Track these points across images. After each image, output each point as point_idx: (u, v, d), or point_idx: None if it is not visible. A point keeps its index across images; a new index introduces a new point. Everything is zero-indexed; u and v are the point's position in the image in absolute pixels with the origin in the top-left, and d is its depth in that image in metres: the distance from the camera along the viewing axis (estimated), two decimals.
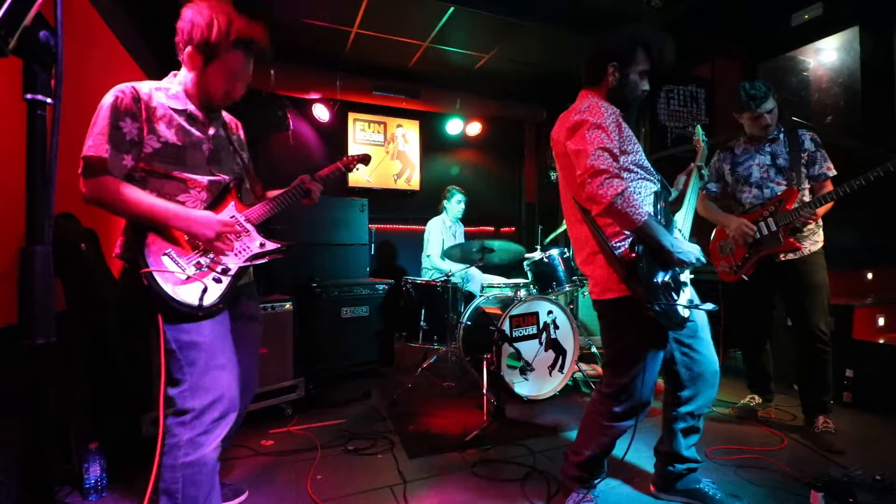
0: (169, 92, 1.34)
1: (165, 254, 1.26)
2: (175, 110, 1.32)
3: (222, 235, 1.32)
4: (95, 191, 1.20)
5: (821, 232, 2.24)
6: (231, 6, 1.30)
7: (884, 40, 3.06)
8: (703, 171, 1.69)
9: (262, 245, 1.44)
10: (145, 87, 1.30)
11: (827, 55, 3.49)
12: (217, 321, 1.32)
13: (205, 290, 1.27)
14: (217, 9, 1.27)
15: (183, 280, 1.26)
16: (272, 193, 1.57)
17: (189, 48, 1.29)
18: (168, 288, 1.23)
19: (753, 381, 2.55)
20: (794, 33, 3.62)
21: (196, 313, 1.25)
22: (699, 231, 2.53)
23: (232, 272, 1.35)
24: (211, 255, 1.33)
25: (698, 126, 1.82)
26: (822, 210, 2.11)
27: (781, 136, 2.28)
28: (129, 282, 1.27)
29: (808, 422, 2.24)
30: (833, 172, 2.17)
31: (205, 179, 1.36)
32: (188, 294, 1.25)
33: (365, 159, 1.82)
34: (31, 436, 0.63)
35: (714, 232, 2.51)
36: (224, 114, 1.51)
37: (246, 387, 1.55)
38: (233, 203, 1.43)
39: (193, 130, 1.35)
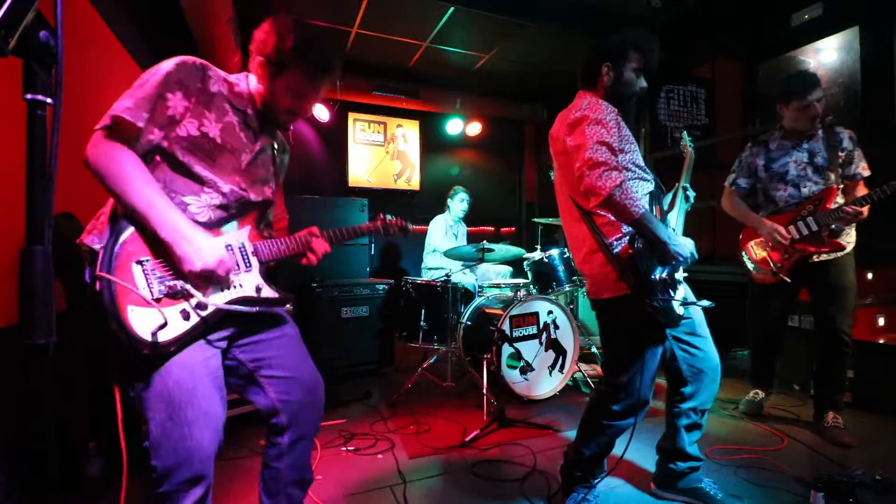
0: (235, 88, 1.21)
1: (139, 262, 1.02)
2: (233, 107, 1.19)
3: (213, 276, 1.06)
4: (103, 157, 0.99)
5: (853, 232, 2.20)
6: (312, 25, 1.21)
7: (884, 40, 3.06)
8: (688, 193, 1.69)
9: (258, 289, 1.19)
10: (214, 70, 1.18)
11: (827, 55, 3.49)
12: (190, 363, 1.06)
13: (164, 324, 0.99)
14: (294, 26, 1.18)
15: (144, 302, 0.99)
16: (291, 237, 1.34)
17: (259, 58, 1.18)
18: (120, 306, 0.96)
19: (761, 377, 2.52)
20: (794, 33, 3.62)
21: (142, 350, 0.98)
22: (698, 229, 2.53)
23: (207, 312, 1.08)
24: (190, 282, 1.07)
25: (684, 132, 1.82)
26: (867, 208, 2.05)
27: (820, 132, 2.20)
28: (83, 281, 1.03)
29: (817, 418, 2.25)
30: (867, 173, 2.13)
31: (226, 186, 1.17)
32: (141, 323, 0.98)
33: (406, 229, 1.61)
34: (32, 436, 0.63)
35: (744, 232, 2.44)
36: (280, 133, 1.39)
37: (312, 388, 1.30)
38: (248, 228, 1.22)
39: (242, 135, 1.21)
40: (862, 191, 2.14)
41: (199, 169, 1.11)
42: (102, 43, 2.38)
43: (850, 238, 2.20)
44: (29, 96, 0.60)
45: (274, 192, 1.34)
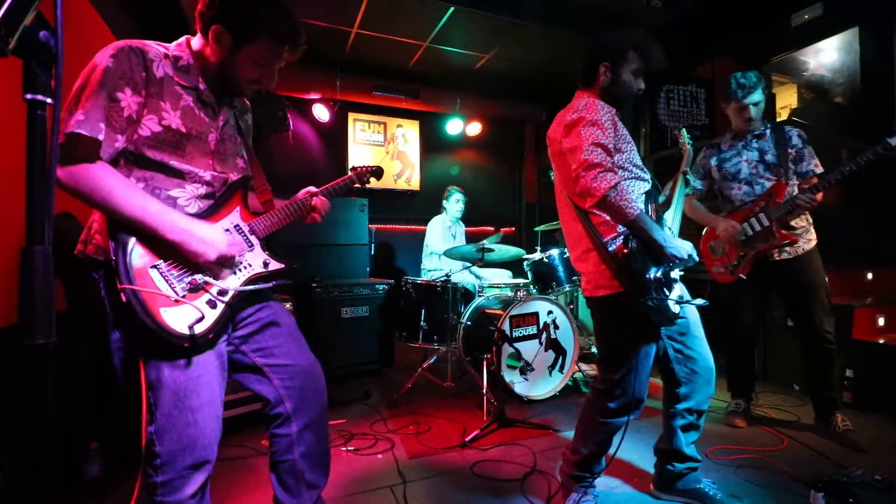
0: (179, 62, 1.10)
1: (154, 266, 1.02)
2: (184, 87, 1.11)
3: (226, 260, 1.09)
4: (77, 177, 0.94)
5: (812, 230, 2.23)
6: None
7: (884, 40, 3.06)
8: (688, 177, 1.70)
9: (265, 264, 1.22)
10: (153, 50, 1.06)
11: (827, 55, 3.49)
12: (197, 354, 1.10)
13: (201, 318, 1.04)
14: None
15: (172, 302, 1.02)
16: (279, 203, 1.34)
17: (217, 26, 1.08)
18: (154, 311, 0.99)
19: (740, 384, 2.44)
20: (794, 33, 3.62)
21: (182, 344, 1.02)
22: (695, 229, 2.52)
23: (229, 296, 1.12)
24: (207, 272, 1.10)
25: (683, 129, 1.83)
26: (819, 196, 2.07)
27: (768, 131, 2.26)
28: (96, 292, 1.05)
29: (823, 421, 2.23)
30: (820, 169, 2.18)
31: (206, 173, 1.14)
32: (177, 320, 1.01)
33: (378, 172, 1.63)
34: (32, 436, 0.63)
35: (704, 232, 2.47)
36: None
37: (312, 374, 1.31)
38: (238, 209, 1.21)
39: (203, 115, 1.14)
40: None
41: (175, 163, 1.09)
42: (102, 43, 2.38)
43: (810, 236, 2.22)
44: (29, 96, 0.60)
45: (247, 162, 1.30)
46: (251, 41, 1.10)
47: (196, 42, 1.15)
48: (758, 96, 2.19)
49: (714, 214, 2.37)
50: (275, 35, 1.10)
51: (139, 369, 1.07)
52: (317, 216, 1.35)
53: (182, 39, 1.16)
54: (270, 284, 1.21)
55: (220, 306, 1.10)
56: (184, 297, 1.04)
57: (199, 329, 1.04)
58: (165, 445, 1.05)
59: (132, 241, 1.01)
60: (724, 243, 2.32)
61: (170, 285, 1.03)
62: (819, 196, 2.07)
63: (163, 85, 1.06)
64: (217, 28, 1.08)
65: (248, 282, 1.17)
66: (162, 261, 1.04)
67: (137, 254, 1.01)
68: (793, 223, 2.18)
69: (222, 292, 1.11)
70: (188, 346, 1.03)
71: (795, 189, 2.18)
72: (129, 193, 0.99)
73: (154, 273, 1.02)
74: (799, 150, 2.20)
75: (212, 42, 1.11)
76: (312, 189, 1.37)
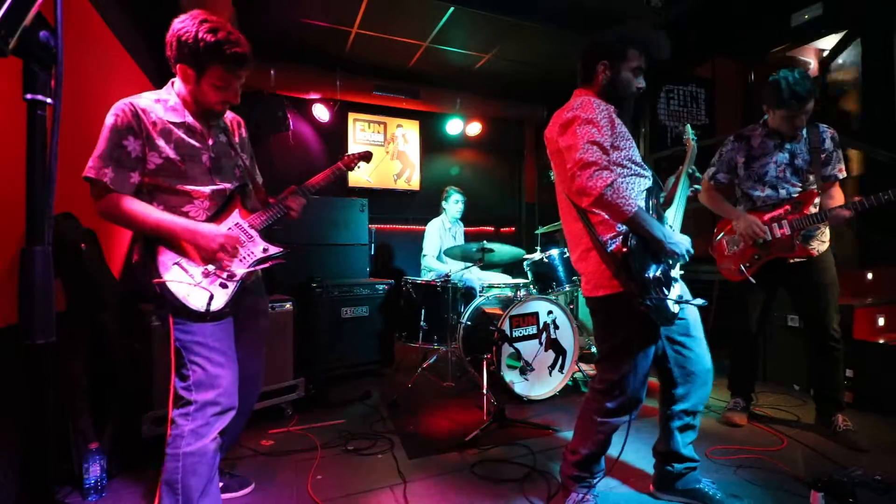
0: (168, 104, 1.37)
1: (176, 263, 1.36)
2: (173, 123, 1.36)
3: (225, 247, 1.39)
4: (106, 209, 1.30)
5: (827, 231, 2.19)
6: (217, 18, 1.30)
7: (884, 43, 3.06)
8: (695, 174, 1.69)
9: (265, 250, 1.51)
10: (143, 101, 1.34)
11: (827, 55, 3.50)
12: (219, 322, 1.41)
13: (212, 297, 1.37)
14: (199, 21, 1.26)
15: (192, 286, 1.35)
16: (273, 200, 1.62)
17: (179, 65, 1.31)
18: (180, 295, 1.33)
19: (741, 383, 2.44)
20: (795, 33, 3.62)
21: (204, 316, 1.35)
22: (697, 228, 2.52)
23: (237, 277, 1.43)
24: (216, 262, 1.41)
25: (688, 125, 1.79)
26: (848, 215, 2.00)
27: (804, 131, 2.14)
28: (144, 287, 1.38)
29: (824, 421, 2.22)
30: (843, 175, 2.12)
31: (207, 189, 1.43)
32: (198, 299, 1.35)
33: (366, 156, 1.85)
34: (31, 436, 0.63)
35: (718, 226, 2.41)
36: (227, 113, 1.53)
37: (253, 382, 1.64)
38: (237, 210, 1.50)
39: (193, 142, 1.40)
40: (837, 192, 2.12)
41: (182, 186, 1.39)
42: (102, 43, 2.38)
43: (825, 238, 2.18)
44: (29, 96, 0.60)
45: (243, 171, 1.57)
46: (207, 69, 1.32)
47: (177, 83, 1.40)
48: (811, 103, 2.03)
49: (736, 209, 2.29)
50: (222, 60, 1.30)
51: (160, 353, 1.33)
52: (292, 213, 1.60)
53: (169, 83, 1.42)
54: (269, 264, 1.52)
55: (231, 286, 1.42)
56: (199, 282, 1.37)
57: (214, 305, 1.36)
58: (201, 395, 1.34)
59: (158, 245, 1.35)
60: (740, 241, 2.25)
61: (189, 275, 1.36)
62: (848, 214, 1.98)
63: (156, 127, 1.34)
64: (181, 67, 1.32)
65: (252, 265, 1.48)
66: (182, 258, 1.37)
67: (163, 255, 1.36)
68: (812, 234, 2.12)
69: (231, 276, 1.42)
70: (209, 318, 1.35)
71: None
72: (147, 213, 1.32)
73: (176, 268, 1.36)
74: (829, 153, 2.11)
75: (182, 79, 1.37)
76: (293, 188, 1.63)
